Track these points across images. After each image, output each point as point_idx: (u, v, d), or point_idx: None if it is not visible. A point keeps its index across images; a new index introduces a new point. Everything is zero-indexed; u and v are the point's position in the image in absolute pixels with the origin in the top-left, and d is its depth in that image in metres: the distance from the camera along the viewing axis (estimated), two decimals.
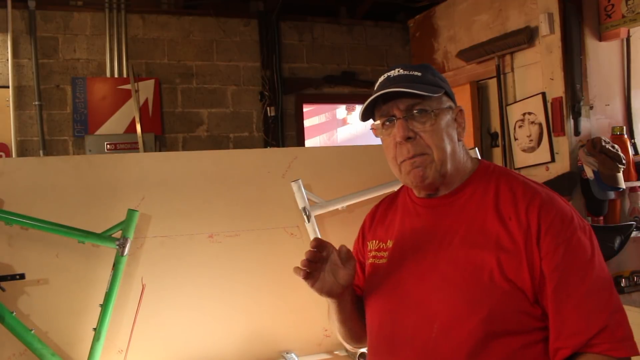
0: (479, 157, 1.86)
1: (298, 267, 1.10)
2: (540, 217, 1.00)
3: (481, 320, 0.97)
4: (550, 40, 2.91)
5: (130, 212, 1.57)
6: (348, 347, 1.35)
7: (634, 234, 2.68)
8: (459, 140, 1.13)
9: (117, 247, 1.54)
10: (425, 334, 1.03)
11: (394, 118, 1.09)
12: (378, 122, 1.14)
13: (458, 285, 1.02)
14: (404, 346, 1.06)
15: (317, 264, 1.11)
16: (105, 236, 1.56)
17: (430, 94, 1.07)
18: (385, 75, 1.13)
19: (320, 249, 1.12)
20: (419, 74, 1.10)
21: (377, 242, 1.23)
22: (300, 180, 1.71)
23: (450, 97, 1.14)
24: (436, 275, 1.05)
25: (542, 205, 1.01)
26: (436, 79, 1.12)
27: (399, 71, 1.11)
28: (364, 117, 1.16)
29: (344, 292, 1.16)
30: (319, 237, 1.19)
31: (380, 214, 1.29)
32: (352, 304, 1.22)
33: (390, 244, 1.18)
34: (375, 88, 1.14)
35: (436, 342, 1.01)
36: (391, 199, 1.30)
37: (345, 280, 1.13)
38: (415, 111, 1.08)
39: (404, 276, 1.11)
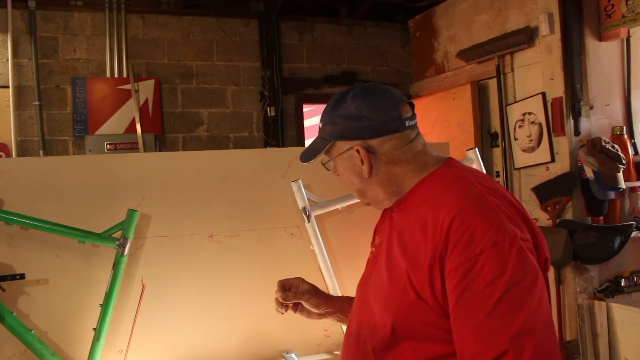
0: (479, 157, 1.87)
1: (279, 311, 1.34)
2: (449, 232, 0.95)
3: (391, 324, 1.02)
4: (550, 40, 2.91)
5: (130, 212, 1.57)
6: None
7: (634, 234, 2.68)
8: (367, 176, 1.12)
9: (117, 247, 1.54)
10: (364, 330, 1.11)
11: None
12: None
13: (383, 289, 1.08)
14: (351, 338, 1.16)
15: (290, 300, 1.31)
16: (105, 236, 1.56)
17: (307, 162, 1.22)
18: None
19: (284, 288, 1.31)
20: (321, 125, 1.19)
21: (378, 237, 1.30)
22: (300, 180, 1.71)
23: (351, 136, 1.12)
24: (380, 276, 1.11)
25: (453, 220, 0.95)
26: (332, 127, 1.14)
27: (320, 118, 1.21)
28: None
29: (326, 313, 1.34)
30: (280, 279, 1.35)
31: (384, 212, 1.34)
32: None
33: (377, 240, 1.26)
34: None
35: (366, 339, 1.09)
36: None
37: (312, 305, 1.31)
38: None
39: (368, 273, 1.20)
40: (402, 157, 1.11)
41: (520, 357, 0.87)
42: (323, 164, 1.22)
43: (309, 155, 1.22)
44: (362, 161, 1.11)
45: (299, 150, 2.04)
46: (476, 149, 1.90)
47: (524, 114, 3.16)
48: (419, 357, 1.00)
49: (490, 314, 0.90)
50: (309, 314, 1.35)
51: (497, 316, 0.90)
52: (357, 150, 1.11)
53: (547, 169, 3.00)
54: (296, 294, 1.31)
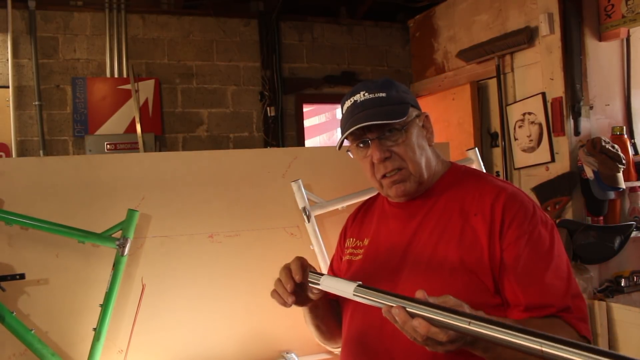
0: (479, 157, 1.87)
1: (277, 293, 1.10)
2: (505, 211, 1.06)
3: None
4: (550, 40, 2.91)
5: (130, 212, 1.57)
6: (329, 348, 1.38)
7: (634, 234, 2.68)
8: (429, 145, 1.19)
9: (117, 247, 1.54)
10: (391, 324, 1.06)
11: (367, 140, 1.15)
12: (352, 144, 1.20)
13: (422, 278, 1.08)
14: (372, 336, 1.12)
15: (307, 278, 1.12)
16: (105, 236, 1.56)
17: (397, 120, 1.12)
18: (352, 100, 1.17)
19: (304, 269, 1.10)
20: (384, 94, 1.15)
21: (354, 239, 1.30)
22: (300, 180, 1.71)
23: (415, 106, 1.20)
24: (405, 270, 1.12)
25: (506, 201, 1.08)
26: (400, 95, 1.17)
27: (364, 95, 1.16)
28: (340, 146, 1.22)
29: (318, 302, 1.19)
30: (300, 257, 1.14)
31: (361, 214, 1.37)
32: (325, 307, 1.27)
33: (366, 242, 1.25)
34: (342, 111, 1.20)
35: (401, 332, 1.04)
36: (371, 201, 1.38)
37: (316, 295, 1.14)
38: (387, 132, 1.14)
39: (376, 271, 1.18)
40: (432, 142, 1.22)
41: (577, 314, 1.01)
42: (391, 128, 1.13)
43: (394, 114, 1.11)
44: (427, 129, 1.20)
45: (299, 151, 2.05)
46: (476, 149, 1.90)
47: (523, 114, 3.16)
48: None
49: (551, 279, 1.02)
50: (304, 299, 1.16)
51: (556, 281, 1.03)
52: (427, 117, 1.21)
53: (547, 169, 2.99)
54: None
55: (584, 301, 1.05)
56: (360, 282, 0.99)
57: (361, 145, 1.17)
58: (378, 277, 1.17)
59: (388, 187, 1.17)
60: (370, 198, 1.40)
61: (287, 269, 1.11)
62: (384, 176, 1.16)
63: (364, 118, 1.12)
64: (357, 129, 1.13)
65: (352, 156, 1.22)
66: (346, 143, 1.22)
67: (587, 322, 1.03)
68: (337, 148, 1.23)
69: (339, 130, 6.40)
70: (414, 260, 1.11)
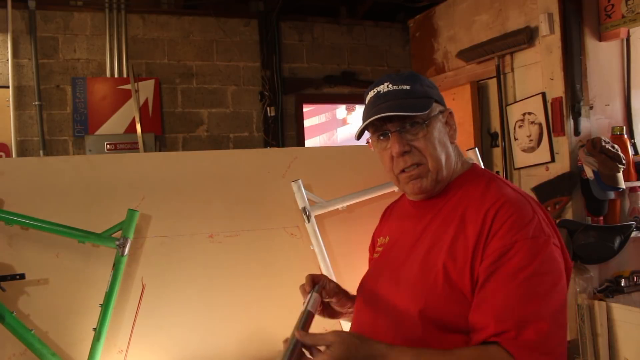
0: (479, 157, 1.87)
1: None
2: (495, 220, 1.00)
3: (418, 313, 1.02)
4: (550, 40, 2.91)
5: (130, 212, 1.57)
6: None
7: (634, 234, 2.68)
8: (451, 142, 1.17)
9: (117, 247, 1.54)
10: (382, 323, 1.11)
11: (388, 132, 1.13)
12: (372, 135, 1.18)
13: (410, 281, 1.08)
14: (367, 333, 1.13)
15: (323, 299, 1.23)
16: (105, 236, 1.56)
17: (421, 113, 1.10)
18: (375, 90, 1.16)
19: (315, 283, 1.22)
20: (408, 87, 1.13)
21: (382, 238, 1.31)
22: (300, 180, 1.71)
23: (440, 101, 1.17)
24: (403, 271, 1.12)
25: (500, 209, 1.01)
26: (424, 89, 1.14)
27: (388, 86, 1.14)
28: (359, 136, 1.21)
29: (347, 312, 1.28)
30: (312, 274, 1.25)
31: (387, 214, 1.39)
32: None
33: (387, 239, 1.26)
34: (365, 101, 1.18)
35: (387, 329, 1.09)
36: (397, 200, 1.39)
37: (340, 304, 1.27)
38: (408, 125, 1.11)
39: (382, 271, 1.20)
40: (454, 139, 1.18)
41: (522, 338, 0.91)
42: (413, 122, 1.12)
43: (417, 107, 1.10)
44: (450, 125, 1.17)
45: (299, 151, 2.05)
46: (476, 149, 1.90)
47: (523, 114, 3.16)
48: (451, 343, 1.00)
49: (507, 295, 0.95)
50: (332, 314, 1.29)
51: (514, 299, 0.94)
52: (451, 113, 1.17)
53: (547, 169, 2.99)
54: (328, 292, 1.24)
55: (541, 327, 0.92)
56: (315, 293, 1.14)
57: (381, 137, 1.15)
58: (382, 277, 1.18)
59: (405, 183, 1.15)
60: (397, 199, 1.41)
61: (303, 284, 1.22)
62: (402, 171, 1.14)
63: (386, 109, 1.10)
64: (378, 120, 1.11)
65: (372, 149, 1.20)
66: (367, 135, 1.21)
67: (540, 352, 0.91)
68: (356, 138, 1.21)
69: (339, 130, 6.40)
70: (412, 262, 1.11)
